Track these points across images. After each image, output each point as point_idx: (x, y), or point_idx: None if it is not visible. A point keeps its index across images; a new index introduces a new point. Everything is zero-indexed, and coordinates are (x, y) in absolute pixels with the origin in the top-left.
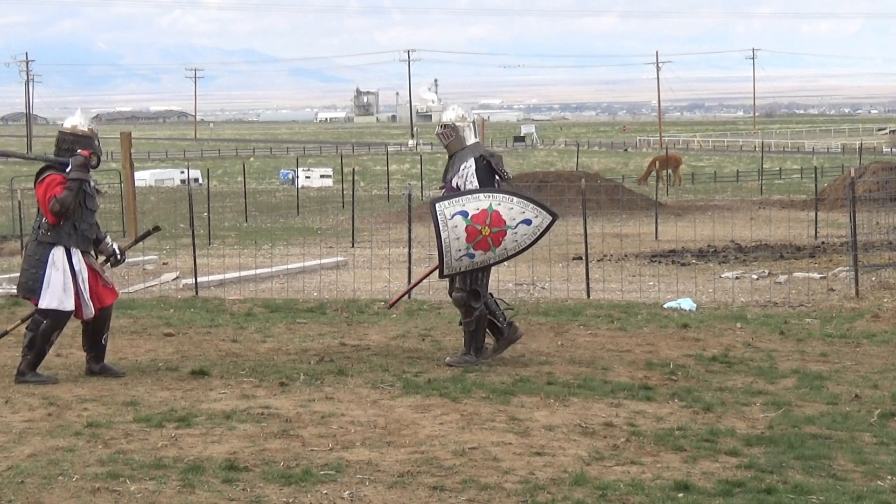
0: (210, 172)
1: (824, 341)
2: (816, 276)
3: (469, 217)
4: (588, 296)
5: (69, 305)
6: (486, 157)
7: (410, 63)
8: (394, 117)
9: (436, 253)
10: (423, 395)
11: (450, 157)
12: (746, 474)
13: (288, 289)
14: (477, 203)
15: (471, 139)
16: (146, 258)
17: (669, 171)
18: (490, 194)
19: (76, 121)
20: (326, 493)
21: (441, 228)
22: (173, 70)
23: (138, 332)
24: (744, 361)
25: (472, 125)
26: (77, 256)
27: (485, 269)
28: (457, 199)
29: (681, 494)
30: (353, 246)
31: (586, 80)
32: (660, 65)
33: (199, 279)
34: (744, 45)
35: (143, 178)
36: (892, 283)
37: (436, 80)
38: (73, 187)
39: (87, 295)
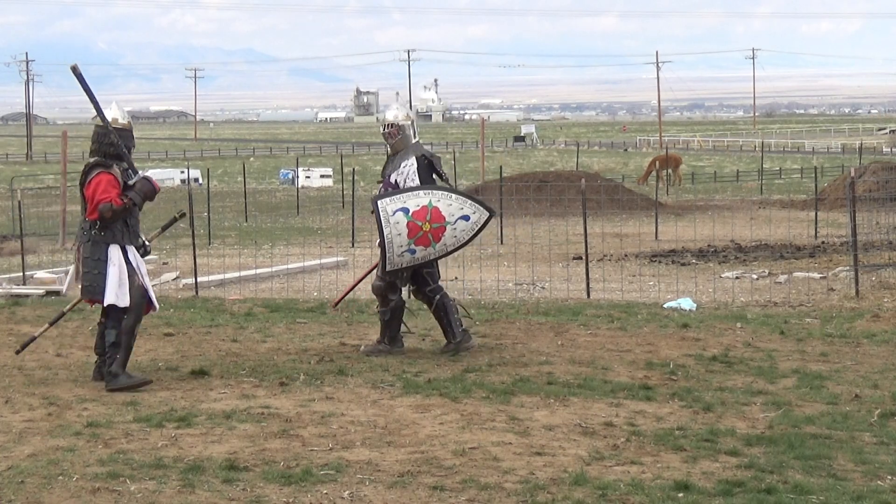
0: (210, 172)
1: (824, 341)
2: (816, 275)
3: (410, 213)
4: (588, 295)
5: (125, 301)
6: (427, 156)
7: (410, 63)
8: None
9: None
10: (423, 394)
11: (392, 155)
12: (746, 474)
13: (288, 288)
14: (417, 200)
15: (413, 139)
16: (148, 258)
17: (669, 170)
18: (430, 191)
19: (115, 113)
20: (326, 493)
21: (383, 225)
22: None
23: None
24: (744, 361)
25: (413, 125)
26: (132, 252)
27: (423, 266)
28: (398, 196)
29: (681, 494)
30: (353, 246)
31: (586, 80)
32: (660, 65)
33: (199, 279)
34: (744, 44)
35: None
36: (893, 282)
37: (436, 80)
38: (129, 206)
39: (151, 289)
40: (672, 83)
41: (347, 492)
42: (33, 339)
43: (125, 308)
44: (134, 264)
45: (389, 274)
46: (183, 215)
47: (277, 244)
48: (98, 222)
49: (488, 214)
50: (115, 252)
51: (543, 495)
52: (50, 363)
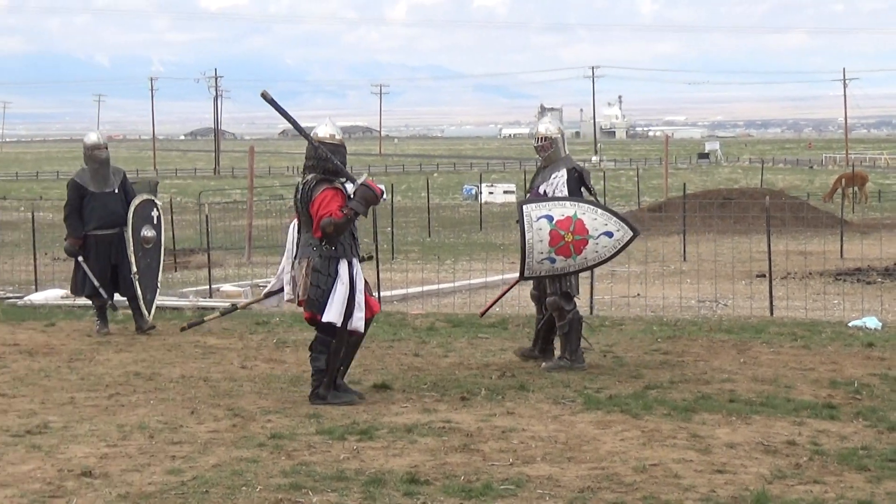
0: (394, 188)
1: None
2: None
3: (554, 222)
4: (771, 313)
5: (341, 320)
6: (577, 170)
7: (595, 79)
8: (577, 133)
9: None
10: (604, 410)
11: (543, 168)
12: None
13: (470, 304)
14: (562, 209)
15: (563, 152)
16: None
17: (855, 188)
18: (576, 203)
19: (331, 129)
20: None
21: (526, 230)
22: (359, 86)
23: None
24: None
25: (564, 138)
26: (357, 268)
27: (568, 275)
28: (544, 203)
29: None
30: None
31: (772, 97)
32: (847, 81)
33: (382, 293)
34: None
35: None
36: None
37: (620, 97)
38: (351, 216)
39: (363, 309)
40: (859, 100)
41: None
42: (202, 321)
43: (334, 329)
44: (356, 281)
45: (522, 277)
46: (371, 258)
47: (460, 259)
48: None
49: (632, 234)
50: (344, 268)
51: None
52: (235, 375)
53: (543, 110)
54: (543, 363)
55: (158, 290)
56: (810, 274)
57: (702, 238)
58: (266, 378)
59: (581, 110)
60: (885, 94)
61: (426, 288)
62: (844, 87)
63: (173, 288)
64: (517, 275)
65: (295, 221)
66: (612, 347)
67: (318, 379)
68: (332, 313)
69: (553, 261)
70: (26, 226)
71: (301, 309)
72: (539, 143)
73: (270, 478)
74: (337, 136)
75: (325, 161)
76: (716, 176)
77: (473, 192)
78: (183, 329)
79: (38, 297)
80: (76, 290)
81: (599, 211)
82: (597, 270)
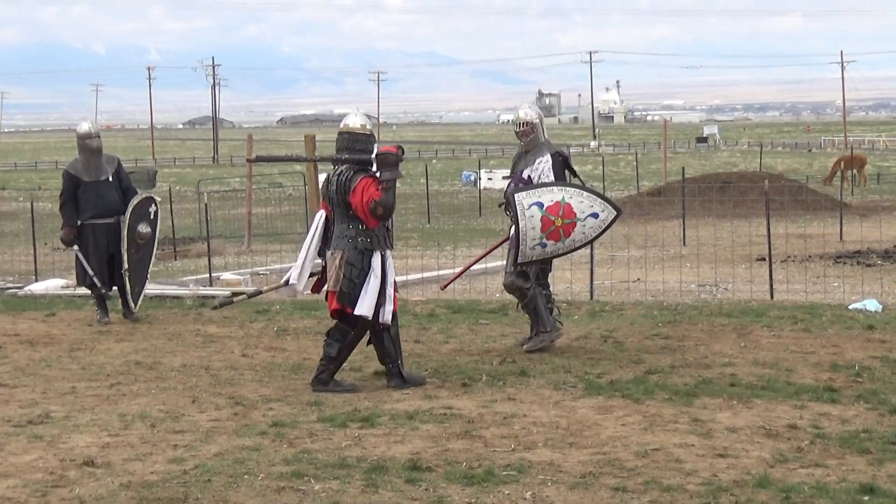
0: None
1: None
2: None
3: (544, 208)
4: (771, 297)
5: (370, 314)
6: (560, 154)
7: (592, 64)
8: (576, 119)
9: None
10: (605, 396)
11: (524, 153)
12: None
13: (470, 290)
14: (551, 195)
15: (543, 136)
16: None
17: (854, 171)
18: (563, 187)
19: (361, 119)
20: (509, 494)
21: (519, 218)
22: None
23: (322, 333)
24: None
25: (543, 123)
26: (389, 260)
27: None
28: (534, 190)
29: (866, 497)
30: None
31: (769, 81)
32: (844, 64)
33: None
34: None
35: None
36: None
37: (618, 82)
38: (390, 187)
39: (392, 302)
40: (857, 82)
41: (529, 492)
42: (230, 301)
43: (357, 322)
44: (388, 273)
45: (516, 266)
46: None
47: (460, 245)
48: (364, 230)
49: (616, 213)
50: (377, 261)
51: (726, 497)
52: (236, 363)
53: (541, 95)
54: (524, 346)
55: (147, 282)
56: (810, 257)
57: (701, 222)
58: (267, 366)
59: (579, 95)
60: (883, 77)
61: (426, 274)
62: (842, 70)
63: (173, 277)
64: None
65: (323, 212)
66: (612, 332)
67: (325, 365)
68: (364, 307)
69: (544, 245)
70: (26, 216)
71: (306, 296)
72: (521, 128)
73: (272, 466)
74: (367, 126)
75: (363, 152)
76: (714, 160)
77: (472, 178)
78: (214, 308)
79: (38, 287)
80: (80, 281)
81: (585, 193)
82: (596, 256)
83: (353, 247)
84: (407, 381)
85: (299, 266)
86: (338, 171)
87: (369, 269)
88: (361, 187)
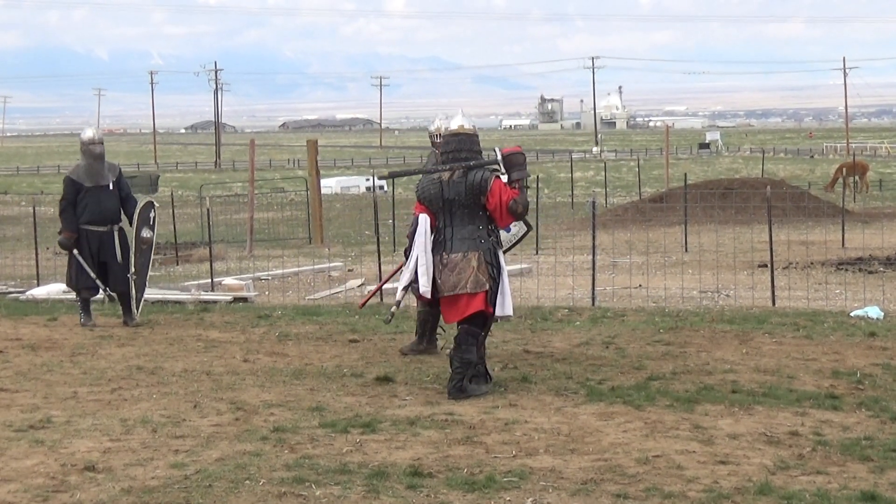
0: (395, 180)
1: None
2: None
3: None
4: (773, 303)
5: (510, 310)
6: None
7: (594, 70)
8: (578, 124)
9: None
10: (606, 402)
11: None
12: None
13: None
14: None
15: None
16: (332, 265)
17: (856, 177)
18: None
19: (468, 121)
20: (510, 500)
21: None
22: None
23: (324, 339)
24: None
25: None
26: (503, 257)
27: None
28: None
29: None
30: (537, 253)
31: (772, 87)
32: (847, 70)
33: (384, 286)
34: None
35: (329, 185)
36: None
37: (620, 87)
38: (525, 185)
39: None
40: (859, 89)
41: (531, 499)
42: (393, 315)
43: (485, 319)
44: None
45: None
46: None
47: None
48: (493, 229)
49: (527, 228)
50: (503, 258)
51: None
52: (237, 368)
53: (544, 101)
54: (405, 348)
55: (146, 288)
56: (812, 264)
57: (703, 228)
58: (269, 371)
59: (581, 101)
60: (885, 83)
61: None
62: (845, 76)
63: (175, 281)
64: (520, 266)
65: (426, 217)
66: (614, 339)
67: (461, 372)
68: (507, 306)
69: None
70: (28, 220)
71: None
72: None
73: (273, 471)
74: (466, 126)
75: (477, 153)
76: (717, 166)
77: None
78: (387, 321)
79: (39, 292)
80: (70, 282)
81: None
82: (598, 262)
83: (486, 247)
84: (471, 392)
85: (423, 273)
86: (459, 173)
87: (501, 266)
88: (498, 188)
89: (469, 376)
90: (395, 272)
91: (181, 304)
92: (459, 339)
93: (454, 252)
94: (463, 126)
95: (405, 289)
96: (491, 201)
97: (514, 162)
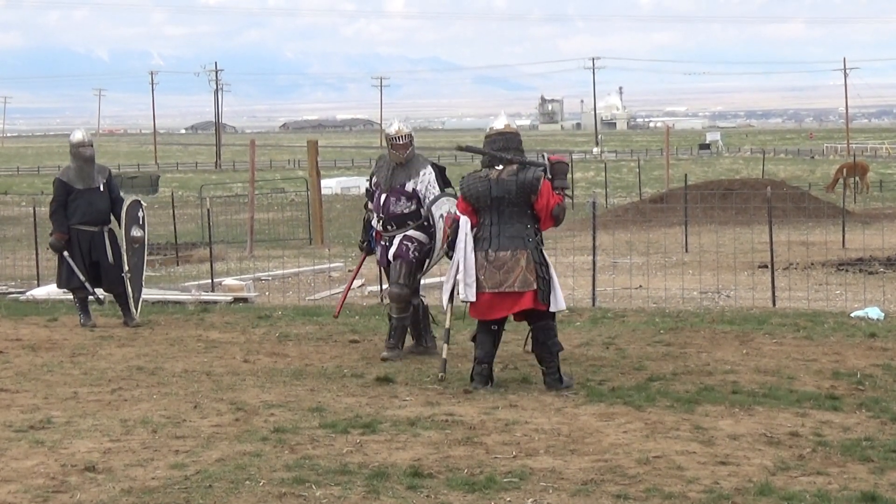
0: None
1: None
2: None
3: (443, 218)
4: (773, 304)
5: (564, 303)
6: (437, 165)
7: (595, 70)
8: (578, 125)
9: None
10: (606, 403)
11: (400, 164)
12: None
13: None
14: (448, 205)
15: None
16: (332, 265)
17: (857, 178)
18: (448, 198)
19: (506, 120)
20: (510, 501)
21: (437, 229)
22: (359, 79)
23: (324, 339)
24: None
25: None
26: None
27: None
28: (442, 201)
29: None
30: None
31: (772, 87)
32: (847, 71)
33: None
34: None
35: (329, 185)
36: None
37: (620, 88)
38: (568, 194)
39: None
40: (860, 89)
41: (531, 499)
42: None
43: (552, 313)
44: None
45: (413, 279)
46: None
47: None
48: (538, 228)
49: None
50: (546, 254)
51: None
52: (237, 369)
53: (544, 101)
54: (386, 353)
55: (143, 287)
56: (812, 264)
57: (703, 229)
58: (269, 372)
59: (582, 101)
60: (885, 84)
61: (428, 281)
62: (845, 77)
63: (175, 282)
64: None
65: (466, 218)
66: (614, 339)
67: (552, 365)
68: (560, 300)
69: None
70: (28, 221)
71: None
72: (402, 140)
73: (274, 472)
74: (511, 126)
75: (521, 152)
76: (717, 167)
77: None
78: (441, 380)
79: (40, 293)
80: (60, 283)
81: None
82: (598, 262)
83: (534, 246)
84: (563, 385)
85: (465, 278)
86: (507, 172)
87: (549, 265)
88: (547, 190)
89: (559, 366)
90: (356, 274)
91: (181, 304)
92: (540, 336)
93: (502, 250)
94: (508, 125)
95: (450, 299)
96: (539, 202)
97: (559, 170)
